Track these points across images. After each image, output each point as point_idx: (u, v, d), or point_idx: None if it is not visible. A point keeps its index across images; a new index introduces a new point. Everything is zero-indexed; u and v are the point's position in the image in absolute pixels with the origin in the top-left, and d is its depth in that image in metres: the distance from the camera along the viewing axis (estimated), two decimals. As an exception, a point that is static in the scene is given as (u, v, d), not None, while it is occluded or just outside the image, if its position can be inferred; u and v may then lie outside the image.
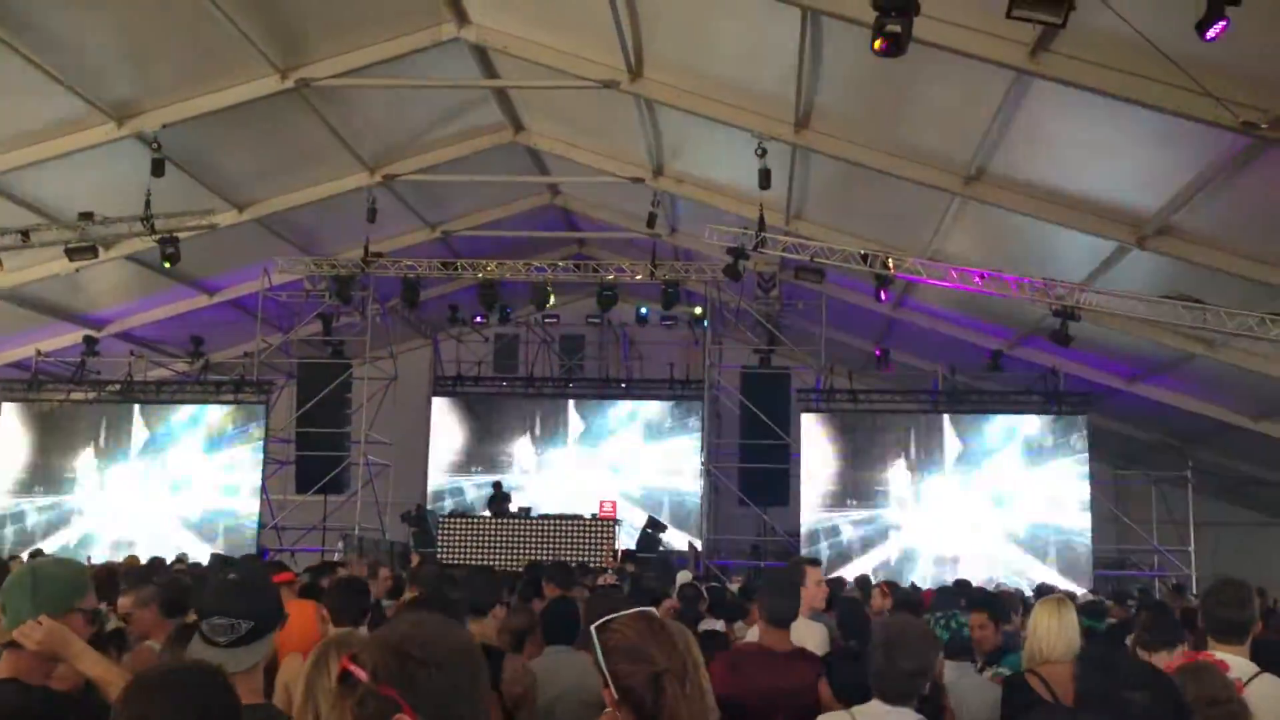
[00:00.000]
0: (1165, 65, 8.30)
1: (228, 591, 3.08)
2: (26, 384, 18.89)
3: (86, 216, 13.72)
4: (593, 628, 2.58)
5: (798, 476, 18.42)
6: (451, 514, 18.40)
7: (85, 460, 18.78)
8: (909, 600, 7.78)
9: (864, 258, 14.17)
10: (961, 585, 10.88)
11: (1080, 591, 14.45)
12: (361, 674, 1.85)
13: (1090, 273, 13.40)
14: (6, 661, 2.98)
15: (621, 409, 22.25)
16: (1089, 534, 17.33)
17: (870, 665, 3.63)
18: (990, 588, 11.95)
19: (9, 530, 18.22)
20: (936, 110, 11.66)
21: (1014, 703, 4.45)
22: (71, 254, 14.04)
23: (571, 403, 22.42)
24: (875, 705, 3.57)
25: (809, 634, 5.44)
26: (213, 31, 11.75)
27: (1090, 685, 3.04)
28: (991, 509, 17.72)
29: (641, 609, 2.68)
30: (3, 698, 2.92)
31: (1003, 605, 6.93)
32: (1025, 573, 16.83)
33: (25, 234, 13.66)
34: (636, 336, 22.36)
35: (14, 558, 11.92)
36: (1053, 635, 4.55)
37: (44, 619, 2.91)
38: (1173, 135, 9.89)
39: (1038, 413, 18.01)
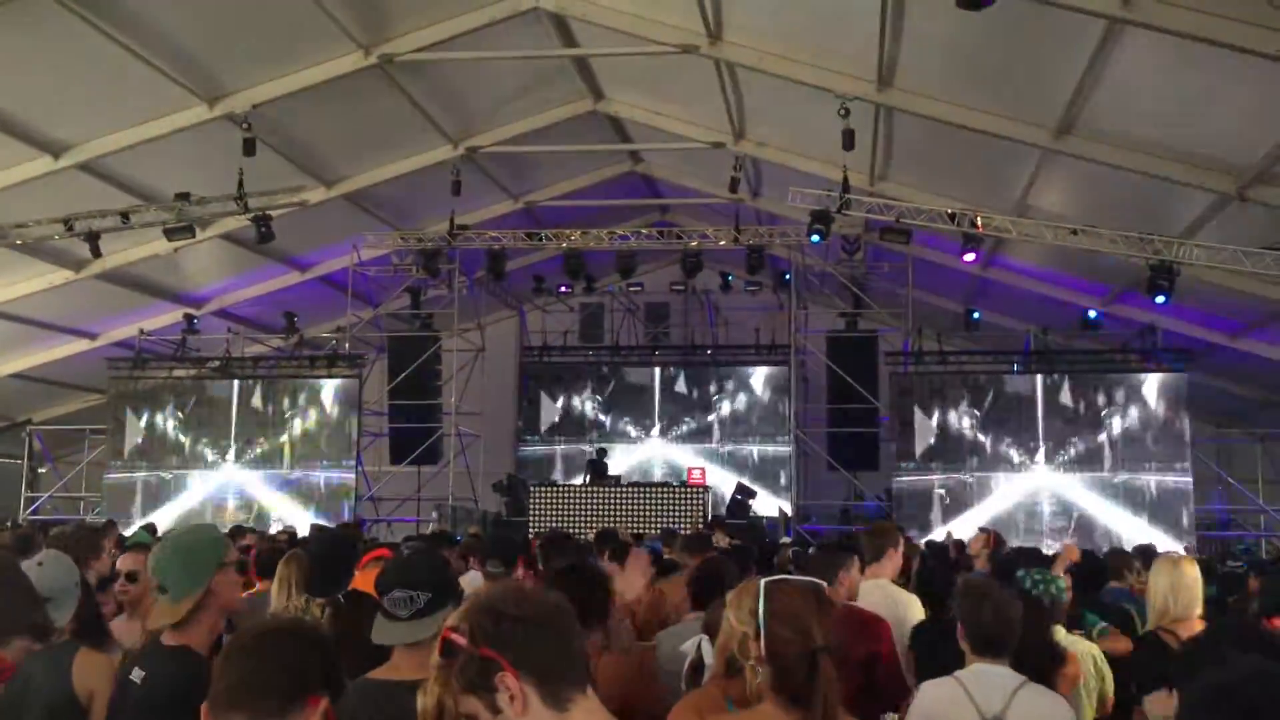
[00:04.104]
0: (1262, 7, 7.99)
1: (405, 565, 3.19)
2: (131, 362, 19.50)
3: (183, 197, 14.09)
4: (762, 583, 2.63)
5: (887, 440, 18.25)
6: (542, 483, 18.59)
7: (186, 436, 19.35)
8: (1007, 564, 7.65)
9: (951, 216, 13.92)
10: (1025, 552, 10.59)
11: (1181, 552, 14.11)
12: (461, 640, 1.89)
13: (1189, 225, 12.99)
14: (175, 632, 3.17)
15: (708, 376, 22.26)
16: (1191, 494, 16.88)
17: (965, 623, 3.61)
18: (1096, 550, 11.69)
19: (115, 506, 18.84)
20: (1025, 63, 11.36)
21: (1150, 663, 4.34)
22: (170, 234, 14.44)
23: (657, 370, 22.48)
24: (976, 665, 3.55)
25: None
26: (297, 11, 11.94)
27: None
28: (1088, 470, 17.35)
29: (813, 580, 2.72)
30: (179, 661, 3.10)
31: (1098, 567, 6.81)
32: (1124, 534, 16.48)
33: (125, 215, 14.08)
34: (721, 303, 22.28)
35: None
36: (1188, 592, 4.49)
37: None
38: (1273, 81, 9.52)
39: (1135, 371, 17.55)
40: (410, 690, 2.75)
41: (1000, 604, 3.60)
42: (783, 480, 20.30)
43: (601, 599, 4.23)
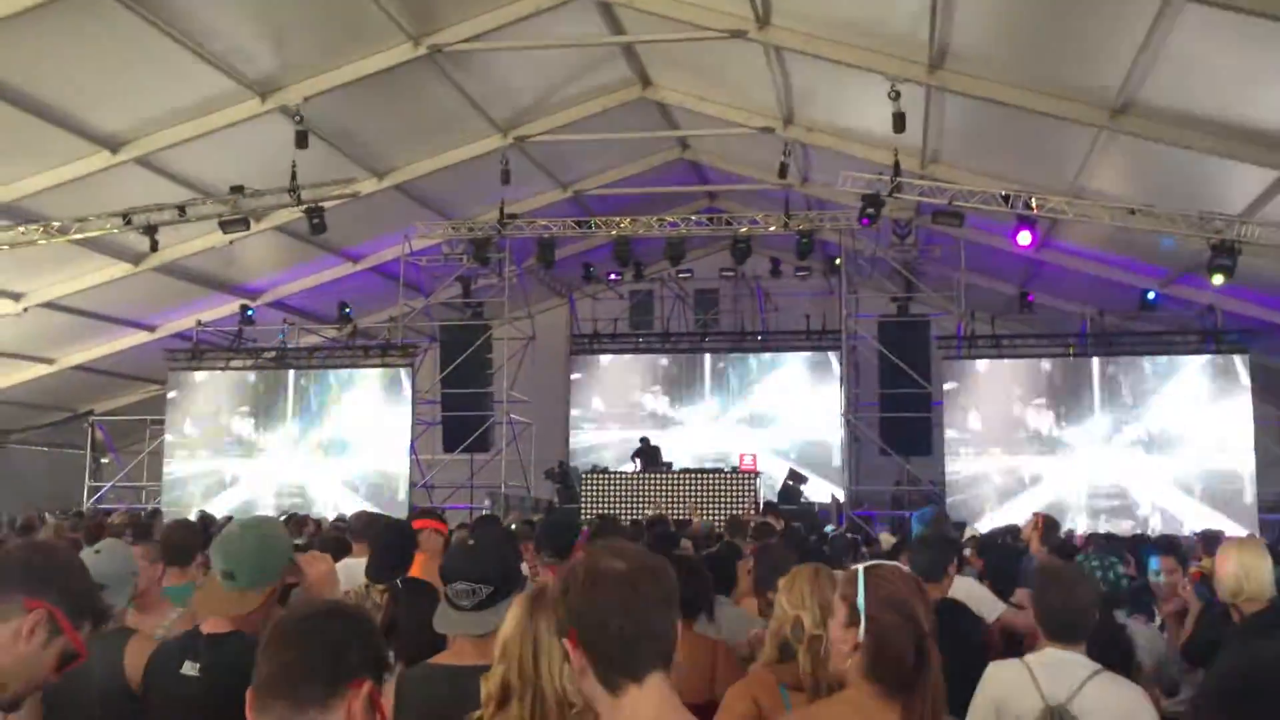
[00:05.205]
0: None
1: (470, 556, 3.20)
2: (189, 353, 19.83)
3: (237, 190, 14.27)
4: (860, 568, 2.61)
5: (940, 425, 18.09)
6: (593, 469, 18.66)
7: (244, 425, 19.65)
8: (1063, 548, 7.59)
9: (1005, 199, 13.75)
10: (1110, 537, 10.57)
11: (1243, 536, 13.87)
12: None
13: (1250, 204, 12.72)
14: (224, 618, 3.19)
15: (758, 362, 22.19)
16: (1253, 477, 16.57)
17: (1039, 608, 3.56)
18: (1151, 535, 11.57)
19: (175, 494, 19.21)
20: (1079, 41, 11.15)
21: (1209, 627, 4.34)
22: (225, 226, 14.62)
23: (707, 357, 22.44)
24: (1048, 650, 3.48)
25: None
26: (347, 3, 12.05)
27: None
28: (1146, 454, 17.09)
29: (896, 564, 2.72)
30: (236, 648, 3.09)
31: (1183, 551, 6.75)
32: (1184, 518, 16.24)
33: (182, 209, 14.29)
34: (771, 288, 22.20)
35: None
36: (1259, 573, 4.48)
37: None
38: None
39: (1194, 353, 17.26)
40: (473, 675, 2.79)
41: (1069, 587, 3.53)
42: (835, 465, 20.20)
43: (706, 589, 4.29)
